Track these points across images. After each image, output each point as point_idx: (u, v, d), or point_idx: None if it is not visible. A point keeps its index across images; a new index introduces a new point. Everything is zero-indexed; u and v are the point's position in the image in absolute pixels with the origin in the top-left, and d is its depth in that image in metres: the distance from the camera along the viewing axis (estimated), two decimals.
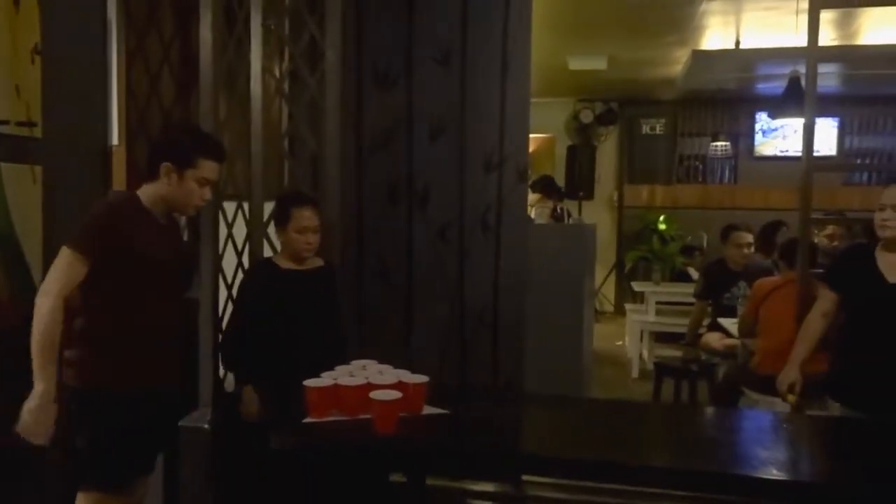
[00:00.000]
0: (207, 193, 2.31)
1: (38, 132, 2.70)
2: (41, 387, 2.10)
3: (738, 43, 6.12)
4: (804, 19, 3.29)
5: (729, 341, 4.47)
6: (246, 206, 2.99)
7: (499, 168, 3.35)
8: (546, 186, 5.99)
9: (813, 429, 2.49)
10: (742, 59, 6.57)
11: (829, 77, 7.18)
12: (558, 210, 5.73)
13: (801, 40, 3.45)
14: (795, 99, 5.02)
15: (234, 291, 2.90)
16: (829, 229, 6.17)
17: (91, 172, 2.92)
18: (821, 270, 3.11)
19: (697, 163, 9.06)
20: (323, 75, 2.88)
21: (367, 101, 3.29)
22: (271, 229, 2.84)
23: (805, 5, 3.31)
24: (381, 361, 2.38)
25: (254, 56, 2.91)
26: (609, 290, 9.09)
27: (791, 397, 2.77)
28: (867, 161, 8.73)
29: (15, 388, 2.58)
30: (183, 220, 3.08)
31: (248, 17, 2.91)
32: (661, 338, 6.25)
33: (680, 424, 2.60)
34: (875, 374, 2.51)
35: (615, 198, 9.26)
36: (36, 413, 2.10)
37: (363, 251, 3.33)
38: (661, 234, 8.62)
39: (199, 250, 2.81)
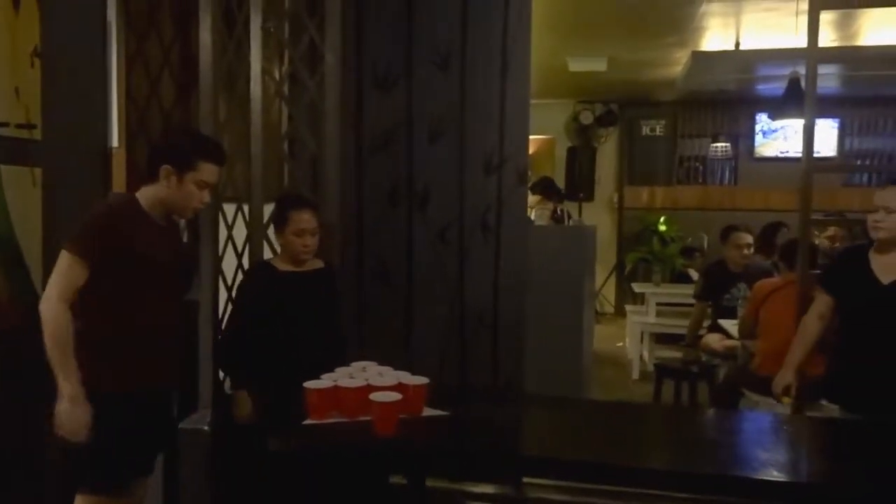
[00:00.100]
0: (206, 196, 2.31)
1: (37, 134, 2.70)
2: (67, 387, 2.11)
3: (738, 44, 6.12)
4: (804, 20, 3.29)
5: (729, 343, 4.46)
6: (246, 207, 2.99)
7: (499, 169, 3.35)
8: (546, 188, 5.98)
9: (813, 430, 2.49)
10: (742, 61, 6.57)
11: (829, 78, 7.17)
12: (558, 211, 5.73)
13: (800, 41, 3.45)
14: (795, 100, 5.02)
15: (234, 293, 2.90)
16: (830, 230, 6.19)
17: (91, 174, 2.92)
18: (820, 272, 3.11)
19: (697, 164, 9.06)
20: (322, 77, 2.88)
21: (366, 102, 3.29)
22: (271, 231, 2.84)
23: (805, 6, 3.31)
24: (381, 363, 2.38)
25: (253, 58, 2.92)
26: (609, 292, 9.09)
27: (786, 400, 2.77)
28: (867, 162, 8.72)
29: (15, 389, 2.59)
30: (183, 222, 3.08)
31: (247, 20, 2.91)
32: (661, 339, 6.24)
33: (680, 426, 2.60)
34: (871, 375, 2.51)
35: (615, 199, 9.26)
36: (69, 413, 2.11)
37: (363, 252, 3.33)
38: (661, 235, 8.61)
39: (199, 252, 2.81)
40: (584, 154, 8.83)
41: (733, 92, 8.14)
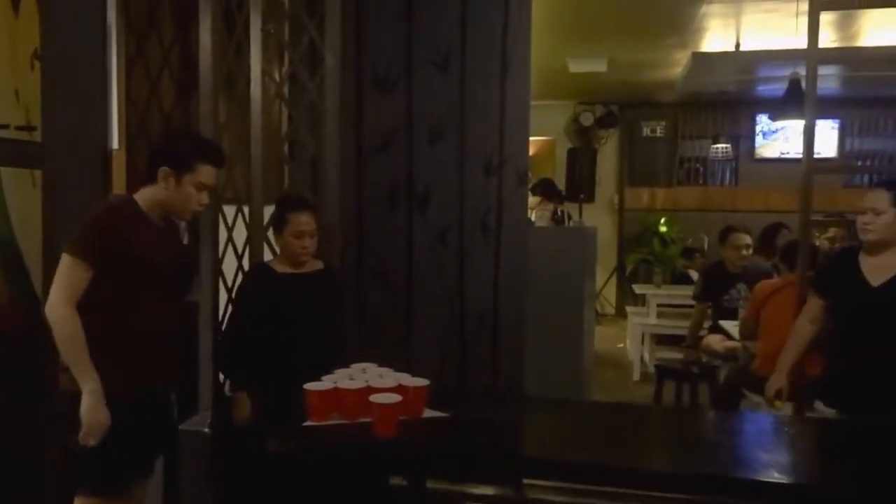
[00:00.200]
0: (205, 199, 2.31)
1: (37, 136, 2.70)
2: (87, 388, 2.12)
3: (738, 45, 6.12)
4: (804, 21, 3.29)
5: (730, 343, 4.46)
6: (246, 209, 2.99)
7: (499, 171, 3.35)
8: (546, 189, 5.98)
9: (814, 432, 2.49)
10: (742, 62, 6.57)
11: (829, 79, 7.17)
12: (559, 213, 5.72)
13: (801, 42, 3.45)
14: (796, 101, 5.01)
15: (234, 295, 2.90)
16: (830, 231, 6.19)
17: (91, 176, 2.92)
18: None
19: (698, 165, 9.06)
20: (322, 79, 2.89)
21: (366, 103, 3.30)
22: (271, 233, 2.84)
23: (805, 7, 3.31)
24: (381, 364, 2.38)
25: (253, 60, 2.92)
26: (610, 293, 9.09)
27: (778, 403, 2.78)
28: (868, 163, 8.72)
29: (15, 390, 2.59)
30: (183, 224, 3.09)
31: (247, 21, 2.91)
32: (662, 340, 6.24)
33: (681, 427, 2.60)
34: (863, 377, 2.52)
35: (616, 200, 9.26)
36: (92, 413, 2.12)
37: (363, 254, 3.32)
38: (661, 236, 8.61)
39: (199, 253, 2.81)
40: (584, 155, 8.83)
41: (734, 93, 8.14)
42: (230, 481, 2.70)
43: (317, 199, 2.92)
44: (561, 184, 7.67)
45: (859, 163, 8.69)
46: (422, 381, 2.21)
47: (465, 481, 3.11)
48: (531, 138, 3.59)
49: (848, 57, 6.37)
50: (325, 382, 2.19)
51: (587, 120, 9.00)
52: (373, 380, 2.21)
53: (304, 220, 2.63)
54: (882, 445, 2.19)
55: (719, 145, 8.84)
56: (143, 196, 2.27)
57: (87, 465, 2.19)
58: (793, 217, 3.88)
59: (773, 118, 7.69)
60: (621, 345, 7.32)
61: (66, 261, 2.13)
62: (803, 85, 3.62)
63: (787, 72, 5.76)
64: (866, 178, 8.67)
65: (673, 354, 5.51)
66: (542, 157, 9.14)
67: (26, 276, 2.68)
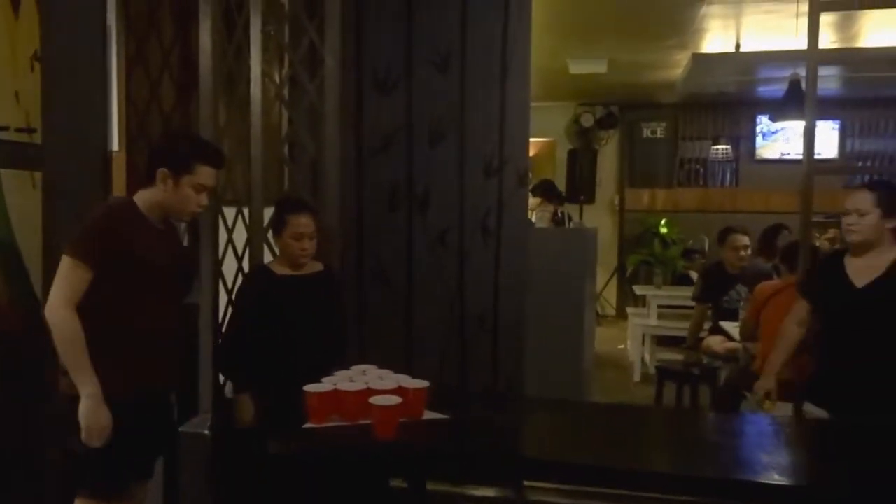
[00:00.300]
0: (204, 200, 2.30)
1: (37, 138, 2.70)
2: (85, 390, 2.12)
3: (738, 46, 6.12)
4: (804, 22, 3.28)
5: (730, 345, 4.45)
6: (246, 211, 2.99)
7: (499, 172, 3.35)
8: (546, 190, 5.97)
9: (814, 433, 2.48)
10: (742, 62, 6.56)
11: (829, 80, 7.17)
12: (559, 214, 5.72)
13: (801, 43, 3.45)
14: (796, 102, 5.01)
15: (234, 297, 2.89)
16: (831, 232, 6.18)
17: (91, 178, 2.92)
18: None
19: (698, 166, 9.05)
20: (322, 80, 2.89)
21: (366, 105, 3.30)
22: (271, 234, 2.84)
23: (805, 8, 3.31)
24: (381, 365, 2.38)
25: (253, 61, 2.92)
26: (611, 294, 9.08)
27: (768, 405, 2.79)
28: (868, 164, 8.71)
29: (15, 390, 2.59)
30: (183, 225, 3.09)
31: (247, 23, 2.91)
32: (662, 341, 6.23)
33: (681, 428, 2.60)
34: (850, 378, 2.52)
35: (616, 201, 9.25)
36: (90, 416, 2.12)
37: (363, 255, 3.32)
38: (662, 237, 8.61)
39: (199, 255, 2.81)
40: (584, 156, 8.83)
41: (734, 94, 8.13)
42: (230, 483, 2.70)
43: (317, 200, 2.92)
44: (561, 185, 7.66)
45: (860, 164, 8.68)
46: (422, 383, 2.21)
47: (466, 483, 3.11)
48: (531, 139, 3.58)
49: (848, 58, 6.37)
50: (325, 384, 2.19)
51: (587, 121, 9.00)
52: (373, 382, 2.21)
53: (303, 222, 2.63)
54: (880, 446, 2.19)
55: (720, 146, 8.83)
56: (143, 198, 2.27)
57: (87, 467, 2.19)
58: (793, 218, 3.88)
59: (773, 119, 7.68)
60: (622, 346, 7.31)
61: (66, 262, 2.13)
62: (803, 86, 3.62)
63: (787, 73, 5.76)
64: (867, 179, 8.67)
65: (673, 356, 5.51)
66: (543, 159, 9.13)
67: (26, 277, 2.68)
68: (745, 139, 8.90)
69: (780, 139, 8.77)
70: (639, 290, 7.25)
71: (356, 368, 2.36)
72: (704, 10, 5.17)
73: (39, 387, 2.51)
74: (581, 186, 8.49)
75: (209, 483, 2.68)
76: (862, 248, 2.55)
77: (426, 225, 3.33)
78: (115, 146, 3.04)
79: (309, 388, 2.16)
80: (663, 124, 9.07)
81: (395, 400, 2.07)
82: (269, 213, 2.86)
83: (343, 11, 2.87)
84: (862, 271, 2.54)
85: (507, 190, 3.37)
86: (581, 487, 2.50)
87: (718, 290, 4.73)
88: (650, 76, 7.45)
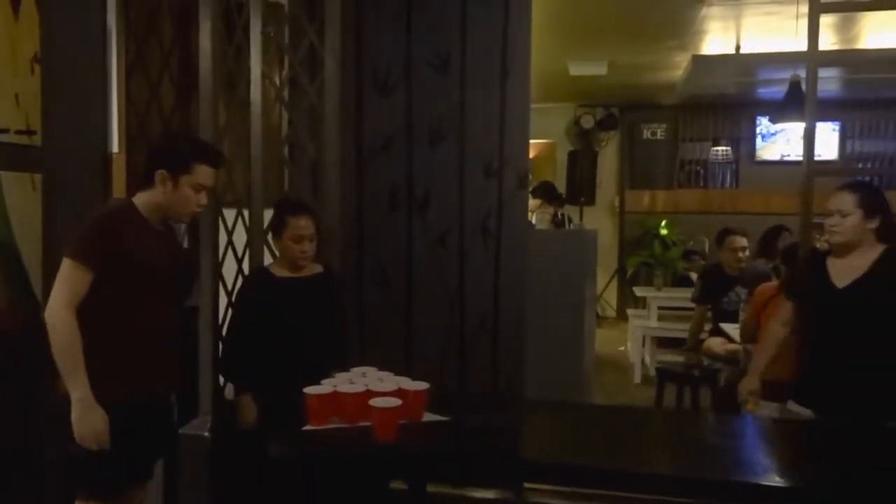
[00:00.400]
0: (203, 199, 2.30)
1: (37, 140, 2.70)
2: (76, 395, 2.11)
3: (738, 47, 6.12)
4: (804, 23, 3.28)
5: (731, 346, 4.45)
6: (246, 212, 2.99)
7: (499, 173, 3.35)
8: (547, 192, 5.97)
9: (815, 435, 2.48)
10: (742, 64, 6.57)
11: (829, 81, 7.17)
12: (559, 215, 5.72)
13: (801, 44, 3.45)
14: (796, 103, 5.00)
15: (234, 299, 2.89)
16: None
17: (91, 180, 2.92)
18: None
19: (698, 167, 9.05)
20: (322, 82, 2.89)
21: (366, 106, 3.30)
22: (271, 236, 2.84)
23: (805, 10, 3.31)
24: (381, 367, 2.38)
25: (253, 63, 2.92)
26: (611, 296, 9.08)
27: (750, 405, 2.81)
28: (868, 165, 8.71)
29: (15, 391, 2.59)
30: (183, 227, 3.08)
31: (247, 25, 2.91)
32: (663, 343, 6.23)
33: (682, 430, 2.59)
34: (833, 377, 2.53)
35: (616, 203, 9.25)
36: (81, 422, 2.11)
37: (363, 257, 3.32)
38: (662, 239, 8.61)
39: (199, 257, 2.81)
40: (585, 158, 8.82)
41: (734, 95, 8.14)
42: (230, 485, 2.70)
43: (317, 201, 2.92)
44: (561, 186, 7.66)
45: (860, 165, 8.68)
46: (422, 385, 2.21)
47: (466, 485, 3.10)
48: (531, 141, 3.58)
49: (848, 59, 6.37)
50: (325, 386, 2.19)
51: (587, 122, 9.00)
52: (372, 383, 2.21)
53: (303, 224, 2.63)
54: (874, 447, 2.18)
55: (720, 148, 8.83)
56: (142, 199, 2.27)
57: (87, 469, 2.19)
58: (794, 219, 3.87)
59: (773, 120, 7.68)
60: (622, 347, 7.31)
61: (66, 264, 2.12)
62: (803, 87, 3.62)
63: (787, 74, 5.75)
64: (849, 181, 8.65)
65: (674, 357, 5.50)
66: (543, 160, 9.14)
67: (26, 279, 2.68)
68: (745, 140, 8.90)
69: (780, 141, 8.77)
70: (639, 291, 7.25)
71: (356, 370, 2.36)
72: (704, 11, 5.17)
73: (39, 388, 2.51)
74: (581, 188, 8.48)
75: (209, 485, 2.68)
76: (844, 249, 2.56)
77: (426, 226, 3.33)
78: (115, 148, 3.04)
79: (309, 390, 2.15)
80: (663, 126, 9.07)
81: (395, 402, 2.07)
82: (268, 214, 2.85)
83: (343, 13, 2.87)
84: (844, 272, 2.54)
85: (508, 191, 3.37)
86: (581, 489, 2.49)
87: (718, 291, 4.72)
88: (650, 78, 7.45)
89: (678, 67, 6.94)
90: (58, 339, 2.10)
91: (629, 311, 7.38)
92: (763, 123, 8.73)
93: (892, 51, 5.90)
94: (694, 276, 6.81)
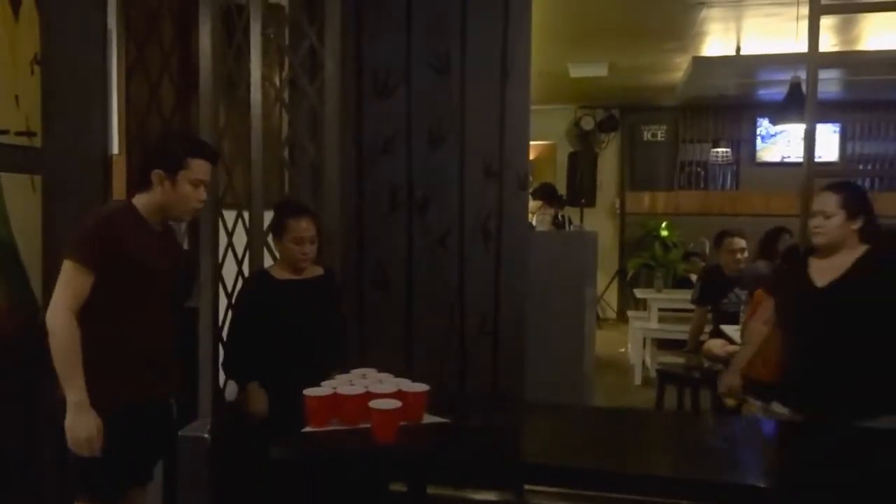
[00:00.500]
0: (203, 194, 2.30)
1: (37, 142, 2.70)
2: (71, 399, 2.11)
3: (738, 49, 6.12)
4: (804, 25, 3.29)
5: (731, 348, 4.43)
6: (246, 214, 2.98)
7: (499, 175, 3.35)
8: (547, 194, 5.97)
9: (815, 437, 2.47)
10: (743, 66, 6.57)
11: (830, 83, 7.17)
12: (559, 217, 5.71)
13: (801, 46, 3.45)
14: (796, 105, 5.01)
15: (234, 302, 2.89)
16: None
17: (91, 181, 2.92)
18: None
19: (699, 169, 9.05)
20: (322, 83, 2.89)
21: (366, 108, 3.30)
22: (271, 238, 2.83)
23: (805, 11, 3.31)
24: (381, 369, 2.37)
25: (253, 65, 2.92)
26: (611, 297, 9.07)
27: (730, 401, 2.82)
28: (869, 167, 8.70)
29: (15, 392, 2.58)
30: (183, 228, 3.08)
31: (247, 26, 2.91)
32: (663, 345, 6.22)
33: (682, 432, 2.59)
34: (812, 377, 2.54)
35: (617, 205, 9.25)
36: (75, 426, 2.11)
37: (363, 258, 3.32)
38: (663, 240, 8.60)
39: (199, 259, 2.80)
40: (585, 159, 8.83)
41: (734, 97, 8.14)
42: (229, 487, 2.69)
43: (317, 202, 2.92)
44: (562, 188, 7.66)
45: (861, 167, 8.68)
46: (421, 387, 2.20)
47: (466, 487, 3.10)
48: (532, 142, 3.58)
49: (848, 61, 6.37)
50: (325, 388, 2.18)
51: (588, 124, 9.00)
52: (372, 385, 2.20)
53: (303, 226, 2.62)
54: (868, 449, 2.18)
55: (720, 149, 8.83)
56: (141, 201, 2.26)
57: (86, 471, 2.18)
58: (794, 221, 3.87)
59: (773, 122, 7.68)
60: (623, 349, 7.30)
61: (67, 267, 2.12)
62: (804, 88, 3.62)
63: (787, 75, 5.76)
64: (868, 183, 8.66)
65: (674, 359, 5.49)
66: (543, 162, 9.14)
67: (25, 281, 2.68)
68: (745, 142, 8.90)
69: (780, 142, 8.77)
70: (639, 293, 7.24)
71: (356, 372, 2.36)
72: (705, 13, 5.17)
73: (39, 388, 2.50)
74: (581, 190, 8.48)
75: (208, 487, 2.67)
76: (827, 250, 2.56)
77: (426, 227, 3.33)
78: (115, 149, 3.04)
79: (308, 391, 2.15)
80: (664, 127, 9.08)
81: (395, 404, 2.07)
82: (269, 216, 2.85)
83: (343, 14, 2.87)
84: (825, 271, 2.55)
85: (508, 193, 3.37)
86: (582, 491, 2.49)
87: (717, 292, 4.71)
88: (651, 79, 7.45)
89: (678, 69, 6.94)
90: (58, 343, 2.09)
91: (629, 313, 7.38)
92: (763, 125, 8.74)
93: (893, 52, 5.90)
94: (694, 277, 6.81)
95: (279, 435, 2.18)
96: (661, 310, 6.45)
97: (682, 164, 9.07)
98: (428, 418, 2.20)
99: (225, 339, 2.82)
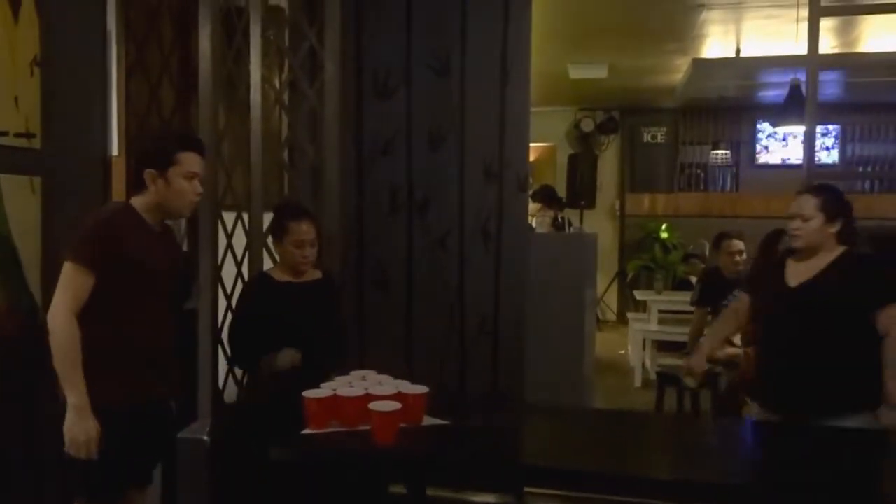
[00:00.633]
0: (198, 187, 2.30)
1: (37, 143, 2.70)
2: (71, 400, 2.11)
3: (738, 51, 6.13)
4: (804, 27, 3.29)
5: (731, 350, 4.43)
6: (245, 216, 2.98)
7: (499, 176, 3.35)
8: (546, 196, 5.97)
9: (815, 438, 2.47)
10: (743, 67, 6.57)
11: (829, 85, 7.18)
12: (559, 219, 5.71)
13: (801, 48, 3.45)
14: (796, 107, 5.01)
15: (234, 302, 2.89)
16: None
17: (91, 183, 2.92)
18: None
19: (699, 171, 9.06)
20: (322, 85, 2.88)
21: (366, 109, 3.30)
22: (271, 240, 2.83)
23: (805, 13, 3.31)
24: (381, 370, 2.37)
25: (253, 66, 2.91)
26: (611, 299, 9.07)
27: (689, 380, 3.00)
28: (868, 169, 8.71)
29: (14, 393, 2.58)
30: (182, 229, 3.08)
31: (247, 28, 2.91)
32: (663, 346, 6.21)
33: (682, 434, 2.59)
34: (784, 378, 2.54)
35: (617, 206, 9.25)
36: (74, 428, 2.11)
37: (363, 260, 3.32)
38: (662, 242, 8.60)
39: (198, 260, 2.80)
40: (585, 161, 8.82)
41: (734, 99, 8.14)
42: (229, 489, 2.69)
43: (317, 204, 2.92)
44: (562, 190, 7.65)
45: (860, 169, 8.68)
46: (421, 389, 2.20)
47: (466, 489, 3.09)
48: (532, 144, 3.58)
49: (848, 63, 6.38)
50: (325, 390, 2.18)
51: (588, 126, 9.00)
52: (372, 387, 2.20)
53: (304, 229, 2.62)
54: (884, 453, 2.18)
55: (720, 151, 8.83)
56: (139, 202, 2.27)
57: (85, 473, 2.18)
58: None
59: (773, 124, 7.68)
60: (622, 351, 7.30)
61: (68, 268, 2.12)
62: (804, 90, 3.62)
63: (787, 77, 5.77)
64: (868, 185, 8.67)
65: (674, 361, 5.48)
66: (543, 163, 9.14)
67: (24, 282, 2.68)
68: (745, 144, 8.91)
69: (780, 144, 8.78)
70: (639, 295, 7.24)
71: (355, 374, 2.35)
72: (705, 15, 5.17)
73: (38, 388, 2.50)
74: (581, 191, 8.48)
75: (208, 489, 2.66)
76: (806, 253, 2.57)
77: (426, 229, 3.32)
78: (114, 151, 3.03)
79: (308, 393, 2.15)
80: (664, 129, 9.08)
81: (395, 405, 2.06)
82: (268, 218, 2.85)
83: (343, 16, 2.87)
84: (800, 272, 2.56)
85: (508, 194, 3.37)
86: (582, 494, 2.48)
87: (716, 294, 4.70)
88: (651, 81, 7.46)
89: (678, 71, 6.94)
90: (58, 345, 2.09)
91: (629, 315, 7.38)
92: (763, 127, 8.74)
93: (892, 54, 5.90)
94: (694, 279, 6.80)
95: (279, 437, 2.18)
96: (660, 312, 6.45)
97: (682, 165, 9.08)
98: (427, 420, 2.20)
99: (228, 339, 2.80)
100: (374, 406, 2.05)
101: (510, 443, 2.40)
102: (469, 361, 3.34)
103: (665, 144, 9.11)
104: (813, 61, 3.21)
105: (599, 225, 8.28)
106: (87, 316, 2.12)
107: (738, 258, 4.67)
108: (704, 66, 6.44)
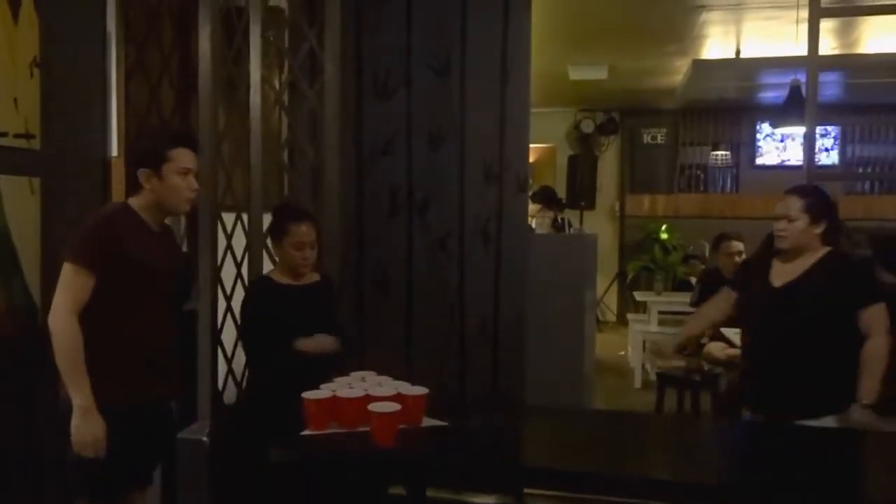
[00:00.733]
0: (193, 183, 2.30)
1: (36, 144, 2.70)
2: (78, 402, 2.11)
3: (738, 52, 6.13)
4: (804, 28, 3.29)
5: (731, 351, 4.43)
6: (245, 217, 2.98)
7: (499, 177, 3.34)
8: (546, 197, 5.97)
9: (815, 439, 2.47)
10: (743, 69, 6.58)
11: (830, 86, 7.18)
12: (559, 220, 5.71)
13: (801, 49, 3.45)
14: (796, 108, 5.01)
15: (233, 303, 2.88)
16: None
17: (90, 184, 2.92)
18: None
19: (699, 172, 9.06)
20: (322, 86, 2.88)
21: (366, 110, 3.29)
22: (270, 241, 2.83)
23: (805, 14, 3.31)
24: (381, 371, 2.37)
25: (253, 67, 2.91)
26: (611, 300, 9.07)
27: (658, 361, 2.89)
28: (869, 170, 8.71)
29: (14, 393, 2.58)
30: (182, 230, 3.08)
31: (247, 29, 2.91)
32: None
33: (683, 435, 2.58)
34: (768, 379, 2.55)
35: (617, 207, 9.25)
36: (81, 428, 2.11)
37: (363, 261, 3.32)
38: (662, 243, 8.60)
39: (198, 260, 2.80)
40: (585, 162, 8.82)
41: (734, 100, 8.15)
42: (228, 490, 2.69)
43: (317, 204, 2.92)
44: (561, 191, 7.66)
45: (860, 170, 8.68)
46: (421, 390, 2.20)
47: (465, 490, 3.09)
48: (531, 145, 3.58)
49: (848, 64, 6.38)
50: (324, 391, 2.18)
51: (588, 127, 9.01)
52: (371, 388, 2.20)
53: (304, 231, 2.61)
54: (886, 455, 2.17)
55: (720, 152, 8.84)
56: (137, 203, 2.27)
57: (86, 474, 2.18)
58: None
59: (773, 125, 7.69)
60: (622, 352, 7.30)
61: (68, 269, 2.12)
62: (804, 91, 3.62)
63: (787, 78, 5.76)
64: (868, 186, 8.67)
65: (674, 362, 5.49)
66: (543, 164, 9.14)
67: (23, 283, 2.67)
68: (745, 145, 8.91)
69: (780, 144, 8.78)
70: (639, 296, 7.24)
71: (355, 375, 2.35)
72: (704, 16, 5.17)
73: (39, 388, 2.50)
74: (581, 192, 8.48)
75: (208, 490, 2.66)
76: (791, 253, 2.57)
77: (426, 229, 3.32)
78: (114, 152, 3.03)
79: (307, 394, 2.14)
80: (664, 130, 9.09)
81: (394, 407, 2.06)
82: (268, 219, 2.85)
83: (343, 17, 2.87)
84: (785, 272, 2.57)
85: (508, 195, 3.36)
86: (582, 495, 2.48)
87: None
88: (650, 82, 7.46)
89: (678, 72, 6.94)
90: (61, 346, 2.09)
91: (629, 316, 7.37)
92: (763, 128, 8.75)
93: (892, 55, 5.90)
94: (694, 280, 6.80)
95: (278, 437, 2.18)
96: (660, 312, 6.45)
97: (682, 166, 9.08)
98: (427, 421, 2.20)
99: (244, 344, 2.79)
100: (374, 407, 2.05)
101: (510, 444, 2.39)
102: (469, 362, 3.34)
103: (665, 145, 9.11)
104: (813, 62, 3.21)
105: (599, 226, 8.28)
106: (87, 316, 2.12)
107: (737, 259, 4.67)
108: (704, 67, 6.45)
